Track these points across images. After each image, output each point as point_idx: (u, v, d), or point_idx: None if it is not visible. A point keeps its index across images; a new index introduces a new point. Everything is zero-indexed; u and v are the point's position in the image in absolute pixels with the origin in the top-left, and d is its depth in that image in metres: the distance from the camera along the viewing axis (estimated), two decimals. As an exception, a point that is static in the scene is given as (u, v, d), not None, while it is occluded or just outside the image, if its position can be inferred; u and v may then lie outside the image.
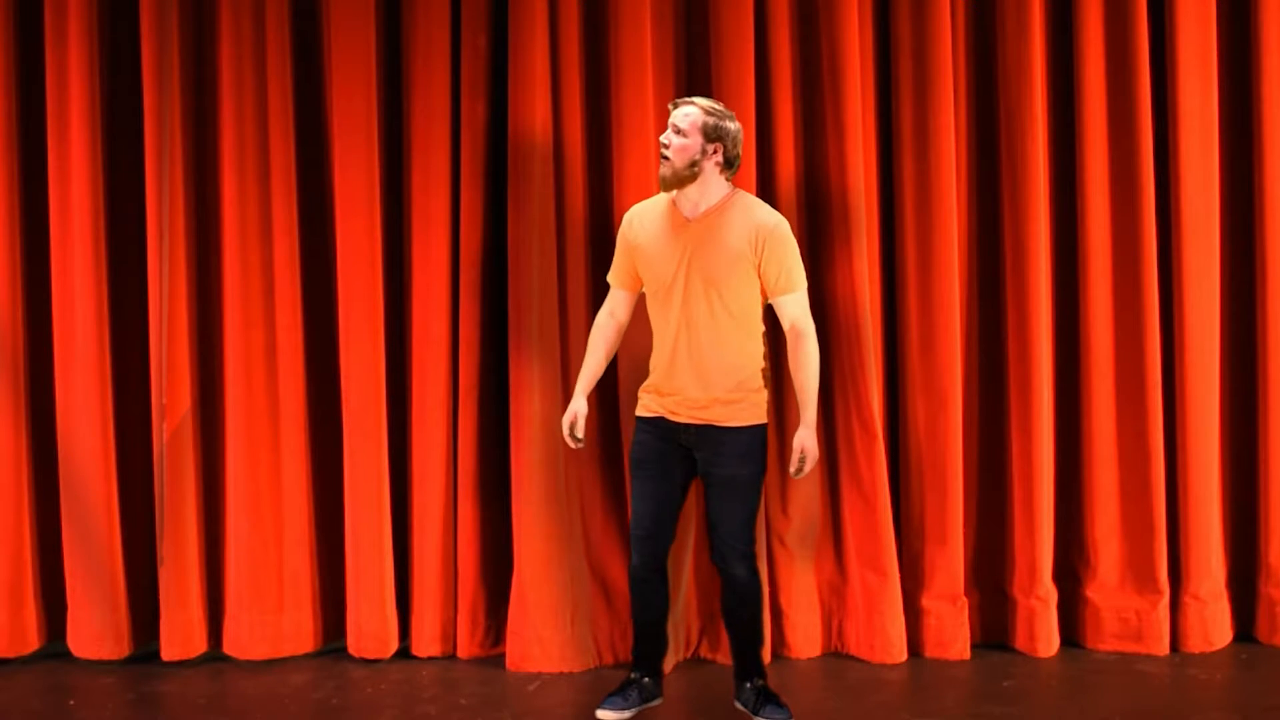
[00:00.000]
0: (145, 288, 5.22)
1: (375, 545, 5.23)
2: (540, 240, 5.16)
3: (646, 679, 4.61)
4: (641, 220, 4.50)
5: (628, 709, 4.58)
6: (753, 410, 4.40)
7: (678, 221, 4.39)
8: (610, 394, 5.24)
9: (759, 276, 4.35)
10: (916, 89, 5.21)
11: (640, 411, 4.53)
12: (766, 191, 5.22)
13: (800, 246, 5.22)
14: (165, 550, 5.20)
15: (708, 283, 4.33)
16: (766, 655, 4.86)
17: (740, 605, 4.49)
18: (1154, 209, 5.22)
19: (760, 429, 4.42)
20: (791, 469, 4.44)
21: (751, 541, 4.44)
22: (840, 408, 5.24)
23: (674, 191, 4.37)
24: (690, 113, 4.32)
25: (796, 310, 4.40)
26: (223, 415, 5.28)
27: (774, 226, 4.35)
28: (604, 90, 5.24)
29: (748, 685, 4.56)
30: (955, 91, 5.25)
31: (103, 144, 5.18)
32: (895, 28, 5.25)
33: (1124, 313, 5.25)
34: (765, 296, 4.40)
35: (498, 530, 5.31)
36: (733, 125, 4.35)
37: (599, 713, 4.58)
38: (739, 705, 4.57)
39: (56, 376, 5.21)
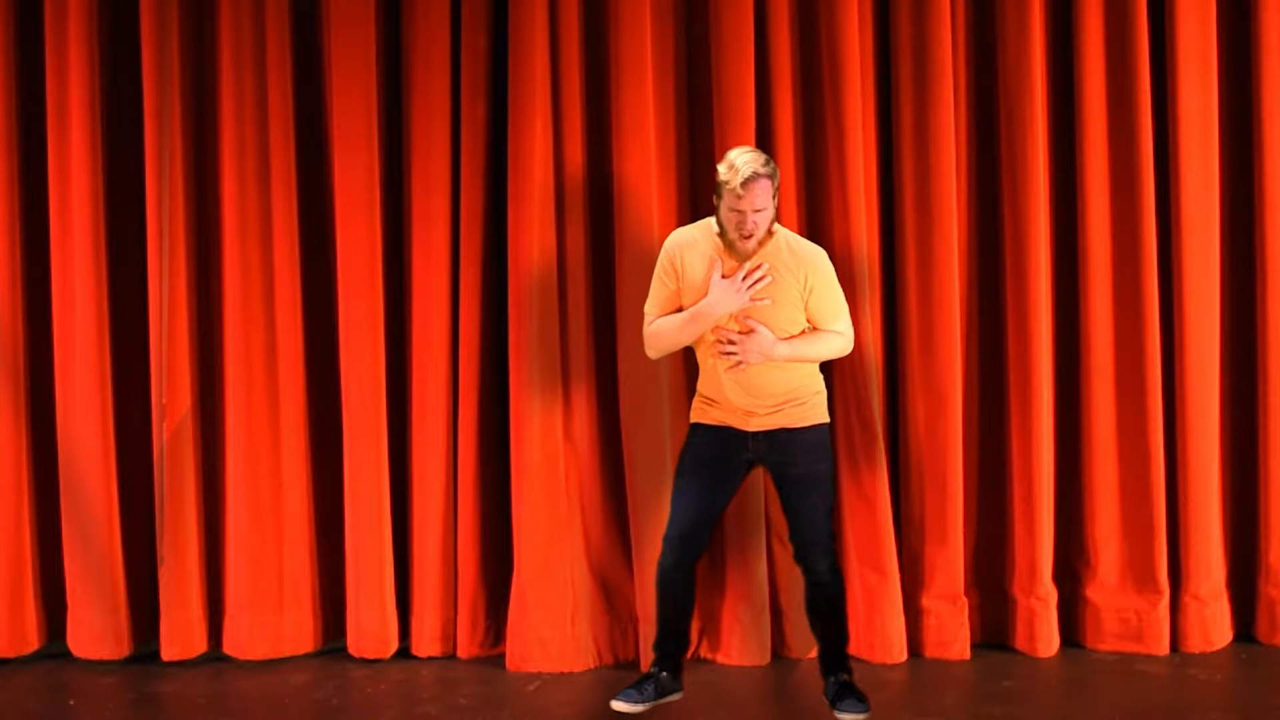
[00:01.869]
0: (145, 288, 5.22)
1: (375, 545, 5.23)
2: (540, 240, 5.16)
3: (665, 674, 4.60)
4: (686, 254, 4.43)
5: (642, 701, 4.57)
6: (817, 410, 4.47)
7: (727, 263, 4.37)
8: (611, 393, 5.25)
9: (805, 307, 4.38)
10: (916, 89, 5.21)
11: (700, 419, 4.51)
12: (766, 191, 5.23)
13: (800, 246, 5.25)
14: (165, 550, 5.20)
15: (758, 321, 4.34)
16: (853, 648, 4.80)
17: (828, 605, 4.52)
18: (1154, 209, 5.22)
19: (827, 427, 4.50)
20: (724, 342, 4.37)
21: (833, 536, 4.53)
22: (840, 408, 5.23)
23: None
24: (763, 185, 4.26)
25: (840, 329, 4.46)
26: (223, 415, 5.28)
27: (818, 255, 4.40)
28: (604, 90, 5.24)
29: (832, 679, 4.56)
30: (955, 91, 5.25)
31: (103, 144, 5.18)
32: (895, 28, 5.25)
33: (1124, 313, 5.25)
34: (810, 322, 4.43)
35: (498, 530, 5.31)
36: (774, 164, 4.36)
37: (614, 703, 4.57)
38: (825, 697, 4.57)
39: (56, 376, 5.22)
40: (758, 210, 4.26)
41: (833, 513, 4.58)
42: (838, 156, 5.18)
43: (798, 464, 4.42)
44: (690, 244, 4.44)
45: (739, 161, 4.25)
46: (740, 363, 4.35)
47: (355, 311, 5.20)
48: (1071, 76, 5.27)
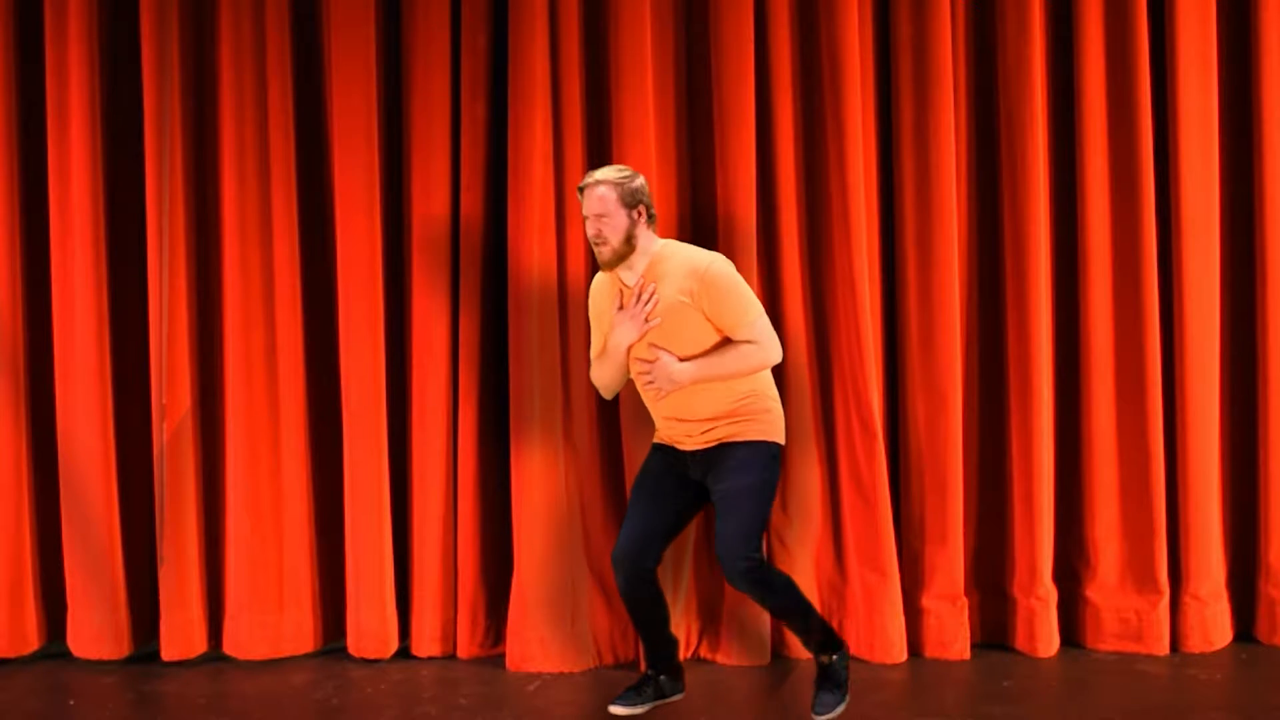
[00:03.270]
0: (145, 288, 5.22)
1: (375, 545, 5.23)
2: (540, 240, 5.16)
3: (663, 676, 4.61)
4: (597, 295, 4.51)
5: (641, 704, 4.57)
6: (761, 427, 4.36)
7: (620, 289, 4.38)
8: (610, 394, 5.25)
9: (708, 319, 4.28)
10: (916, 89, 5.22)
11: (655, 438, 4.52)
12: (767, 191, 5.23)
13: (800, 246, 5.27)
14: (165, 550, 5.20)
15: (660, 343, 4.29)
16: (853, 648, 4.70)
17: (765, 604, 4.45)
18: (1154, 209, 5.22)
19: (765, 445, 4.35)
20: (643, 374, 4.34)
21: (746, 555, 4.25)
22: (840, 408, 5.24)
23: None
24: (601, 193, 4.28)
25: (750, 337, 4.30)
26: (223, 415, 5.28)
27: (707, 267, 4.27)
28: (604, 90, 5.24)
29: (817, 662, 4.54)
30: (955, 91, 5.25)
31: (103, 144, 5.18)
32: (895, 28, 5.25)
33: (1124, 313, 5.25)
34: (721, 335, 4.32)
35: (498, 530, 5.32)
36: (640, 180, 4.34)
37: (611, 707, 4.57)
38: None
39: (56, 376, 5.22)
40: (600, 216, 4.27)
41: (756, 523, 4.27)
42: (838, 156, 5.19)
43: (722, 479, 4.32)
44: (599, 284, 4.51)
45: (592, 173, 4.35)
46: (661, 391, 4.32)
47: (355, 311, 5.20)
48: (1071, 76, 5.28)
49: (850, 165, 5.17)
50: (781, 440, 4.41)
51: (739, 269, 5.11)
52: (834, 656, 4.48)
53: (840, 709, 4.43)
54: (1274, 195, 5.24)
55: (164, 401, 5.17)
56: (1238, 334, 5.38)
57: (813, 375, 5.28)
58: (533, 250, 5.15)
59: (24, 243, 5.26)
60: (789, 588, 4.40)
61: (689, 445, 4.39)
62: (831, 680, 4.47)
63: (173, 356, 5.18)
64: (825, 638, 4.48)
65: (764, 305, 5.20)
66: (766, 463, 4.35)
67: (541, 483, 5.17)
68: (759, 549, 4.30)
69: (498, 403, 5.28)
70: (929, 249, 5.23)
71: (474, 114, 5.21)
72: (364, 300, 5.20)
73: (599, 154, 5.26)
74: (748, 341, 4.29)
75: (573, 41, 5.18)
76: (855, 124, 5.17)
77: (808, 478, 5.21)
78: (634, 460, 5.16)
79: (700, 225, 5.28)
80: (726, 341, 4.30)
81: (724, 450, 4.34)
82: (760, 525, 4.31)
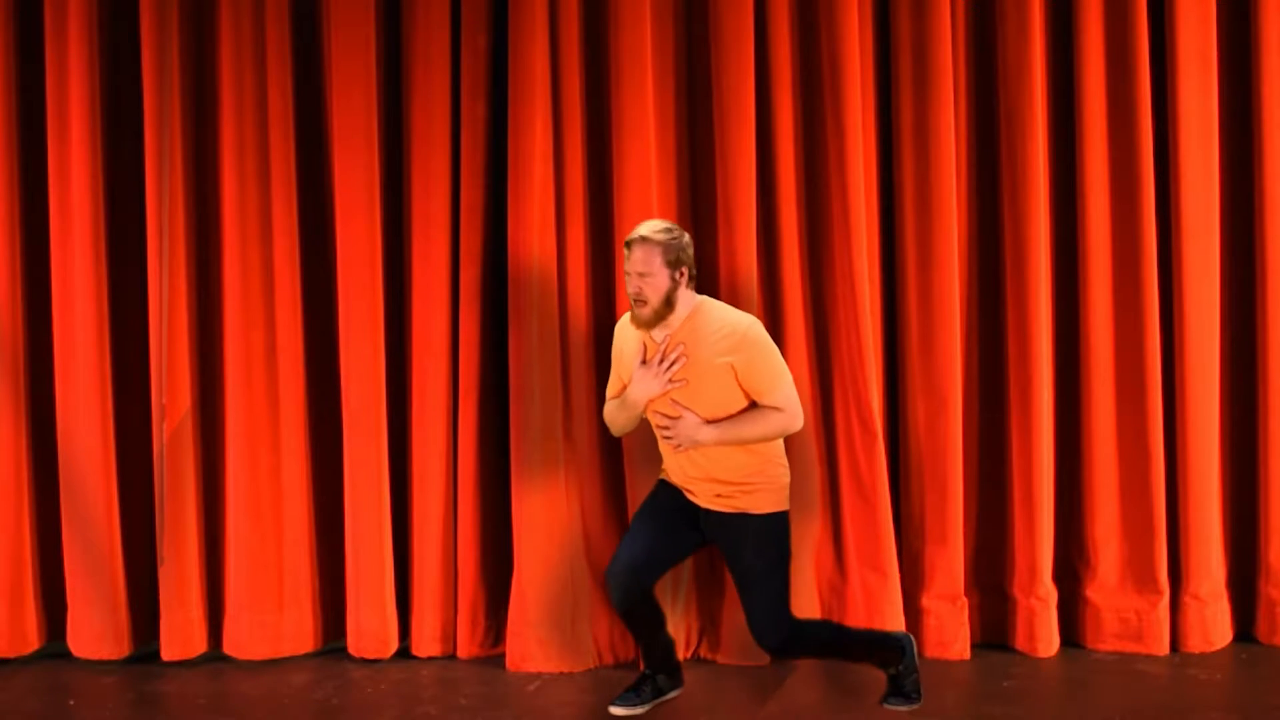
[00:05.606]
0: (145, 288, 5.22)
1: (375, 545, 5.23)
2: (540, 240, 5.16)
3: (660, 676, 4.61)
4: (623, 334, 4.45)
5: (640, 704, 4.58)
6: (770, 496, 4.30)
7: (645, 341, 4.33)
8: (610, 394, 5.25)
9: (738, 382, 4.23)
10: (916, 89, 5.21)
11: (663, 475, 4.49)
12: (767, 191, 5.23)
13: (800, 246, 5.27)
14: (165, 550, 5.20)
15: (685, 401, 4.25)
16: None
17: (810, 656, 4.41)
18: (1154, 209, 5.22)
19: (777, 517, 4.31)
20: (661, 426, 4.32)
21: (778, 628, 4.25)
22: (840, 408, 5.24)
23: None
24: (647, 250, 4.20)
25: (777, 403, 4.26)
26: (223, 415, 5.28)
27: (747, 329, 4.22)
28: (604, 90, 5.24)
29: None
30: (955, 91, 5.25)
31: (103, 144, 5.18)
32: (895, 28, 5.25)
33: (1124, 313, 5.25)
34: (748, 397, 4.27)
35: (498, 530, 5.31)
36: (685, 238, 4.28)
37: (612, 707, 4.58)
38: None
39: (56, 376, 5.22)
40: (642, 275, 4.20)
41: (781, 597, 4.26)
42: (838, 156, 5.18)
43: (740, 557, 4.29)
44: (625, 327, 4.46)
45: (639, 227, 4.27)
46: (679, 445, 4.29)
47: (355, 311, 5.20)
48: (1071, 76, 5.28)
49: (850, 165, 5.17)
50: (787, 507, 4.36)
51: (739, 269, 5.15)
52: (899, 667, 4.49)
53: (906, 708, 4.45)
54: (1274, 195, 5.24)
55: (164, 401, 5.17)
56: (1238, 334, 5.38)
57: (813, 375, 5.28)
58: (533, 250, 5.15)
59: (24, 243, 5.26)
60: (827, 636, 4.43)
61: (700, 501, 4.34)
62: (895, 690, 4.50)
63: (173, 356, 5.18)
64: (884, 655, 4.49)
65: (764, 305, 5.22)
66: (782, 535, 4.32)
67: (541, 483, 5.17)
68: (789, 618, 4.28)
69: (498, 403, 5.28)
70: (929, 249, 5.23)
71: (474, 114, 5.21)
72: (364, 300, 5.20)
73: (599, 154, 5.26)
74: (774, 408, 4.24)
75: (573, 41, 5.18)
76: (855, 124, 5.17)
77: (808, 478, 5.20)
78: (635, 460, 5.16)
79: (700, 225, 5.27)
80: (751, 405, 4.25)
81: (738, 522, 4.29)
82: (786, 597, 4.29)
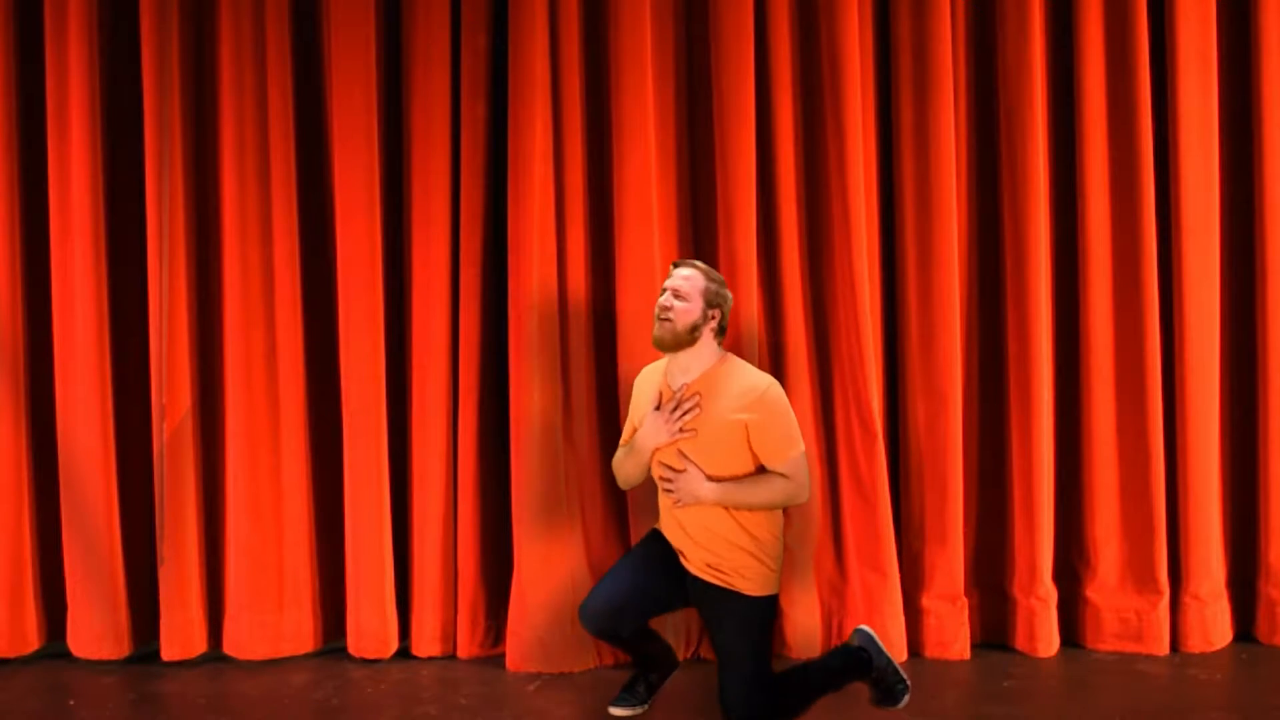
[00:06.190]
0: (145, 288, 5.22)
1: (375, 545, 5.23)
2: (540, 240, 5.16)
3: (652, 674, 4.65)
4: (641, 385, 4.46)
5: (639, 705, 4.59)
6: (762, 583, 4.25)
7: (662, 388, 4.33)
8: (610, 392, 5.25)
9: (749, 442, 4.21)
10: (916, 89, 5.22)
11: (658, 525, 4.49)
12: (767, 192, 5.23)
13: (800, 246, 5.27)
14: (165, 550, 5.20)
15: (693, 454, 4.24)
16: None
17: (790, 717, 4.29)
18: (1154, 209, 5.22)
19: (764, 601, 4.25)
20: (663, 478, 4.31)
21: (748, 708, 4.17)
22: (840, 408, 5.24)
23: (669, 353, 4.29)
24: (693, 276, 4.25)
25: (785, 470, 4.22)
26: (223, 415, 5.28)
27: (766, 389, 4.19)
28: (604, 90, 5.24)
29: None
30: (955, 91, 5.25)
31: (103, 144, 5.18)
32: (895, 28, 5.25)
33: (1124, 313, 5.25)
34: (757, 460, 4.25)
35: (498, 530, 5.32)
36: (728, 293, 4.32)
37: (612, 708, 4.58)
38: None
39: (56, 376, 5.22)
40: (678, 294, 4.23)
41: (759, 678, 4.19)
42: (838, 157, 5.19)
43: (721, 631, 4.24)
44: (646, 375, 4.48)
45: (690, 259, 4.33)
46: (679, 500, 4.27)
47: (355, 311, 5.20)
48: (1071, 76, 5.28)
49: (850, 165, 5.17)
50: (775, 592, 4.31)
51: (739, 269, 5.15)
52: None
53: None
54: (1274, 195, 5.25)
55: (164, 401, 5.17)
56: (1238, 334, 5.39)
57: (813, 375, 5.28)
58: (533, 250, 5.15)
59: (24, 243, 5.26)
60: (802, 689, 4.29)
61: (690, 567, 4.32)
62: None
63: (173, 356, 5.18)
64: (855, 672, 4.43)
65: (764, 305, 5.22)
66: (767, 617, 4.27)
67: (541, 483, 5.17)
68: (764, 694, 4.21)
69: (498, 403, 5.28)
70: (929, 249, 5.23)
71: (474, 114, 5.21)
72: (364, 300, 5.20)
73: (599, 154, 5.26)
74: (781, 475, 4.22)
75: (573, 41, 5.18)
76: (855, 124, 5.17)
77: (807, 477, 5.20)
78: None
79: (700, 225, 5.28)
80: (759, 470, 4.23)
81: (725, 598, 4.24)
82: (764, 677, 4.21)
